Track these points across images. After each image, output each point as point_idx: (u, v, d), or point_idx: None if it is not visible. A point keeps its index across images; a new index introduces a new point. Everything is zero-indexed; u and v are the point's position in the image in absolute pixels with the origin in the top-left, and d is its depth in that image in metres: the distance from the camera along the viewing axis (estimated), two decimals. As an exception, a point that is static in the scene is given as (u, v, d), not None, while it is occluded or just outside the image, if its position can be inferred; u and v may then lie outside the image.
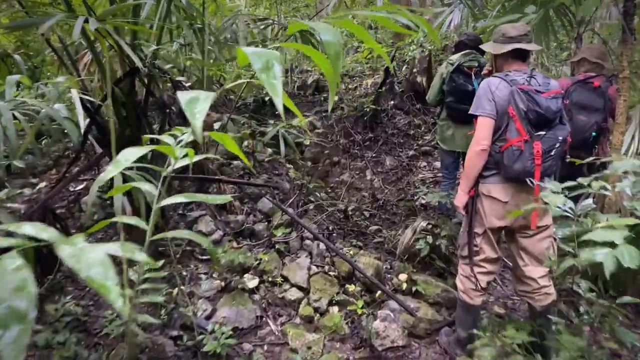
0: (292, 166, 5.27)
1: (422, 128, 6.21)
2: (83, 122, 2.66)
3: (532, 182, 2.11)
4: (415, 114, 6.46)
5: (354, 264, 3.02)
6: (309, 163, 6.12)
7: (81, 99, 2.53)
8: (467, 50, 3.83)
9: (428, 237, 3.33)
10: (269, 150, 5.07)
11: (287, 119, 6.68)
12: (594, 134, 3.20)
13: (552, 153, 2.23)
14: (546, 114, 2.21)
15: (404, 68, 7.24)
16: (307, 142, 5.08)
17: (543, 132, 2.24)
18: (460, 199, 2.55)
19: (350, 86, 6.82)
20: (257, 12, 9.29)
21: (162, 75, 3.16)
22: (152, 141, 3.40)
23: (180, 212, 3.54)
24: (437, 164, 5.55)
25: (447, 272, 3.46)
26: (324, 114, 6.36)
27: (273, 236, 3.39)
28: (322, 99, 6.62)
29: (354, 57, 6.56)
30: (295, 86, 7.01)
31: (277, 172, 4.83)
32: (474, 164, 2.41)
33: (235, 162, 4.28)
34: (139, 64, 2.22)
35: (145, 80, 3.17)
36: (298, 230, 3.50)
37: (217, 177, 3.40)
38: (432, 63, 6.85)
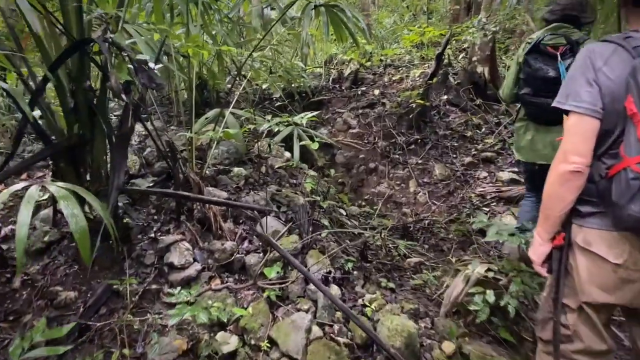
0: (316, 173, 4.32)
1: (483, 129, 5.00)
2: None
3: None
4: (474, 111, 5.25)
5: (372, 334, 2.01)
6: (341, 169, 5.14)
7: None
8: (555, 24, 2.68)
9: (488, 291, 2.23)
10: (287, 154, 4.15)
11: (319, 116, 5.74)
12: None
13: None
14: None
15: (460, 56, 6.03)
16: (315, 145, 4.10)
17: None
18: (538, 249, 1.54)
19: (394, 78, 5.74)
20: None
21: (120, 54, 2.33)
22: (110, 140, 2.61)
23: (152, 235, 2.70)
24: (501, 175, 4.35)
25: (518, 342, 2.34)
26: (360, 111, 5.34)
27: (263, 277, 2.45)
28: (359, 92, 5.59)
29: (405, 37, 5.46)
30: (331, 79, 6.04)
31: (294, 181, 3.90)
32: (558, 195, 1.40)
33: (236, 170, 3.40)
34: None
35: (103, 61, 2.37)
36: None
37: (182, 193, 2.51)
38: (495, 50, 5.60)
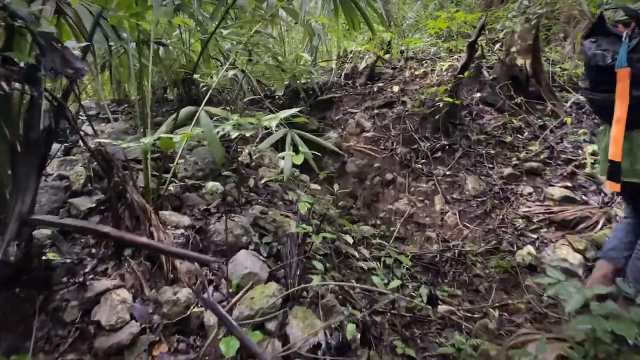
0: (319, 187, 3.53)
1: (525, 133, 4.11)
2: None
3: None
4: (513, 111, 4.37)
5: None
6: (352, 180, 4.34)
7: None
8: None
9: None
10: (284, 163, 3.38)
11: (328, 117, 4.95)
12: None
13: None
14: None
15: (496, 47, 5.14)
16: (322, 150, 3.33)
17: None
18: None
19: (417, 72, 4.90)
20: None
21: (17, 24, 1.61)
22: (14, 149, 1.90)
23: (80, 279, 1.97)
24: (551, 191, 3.47)
25: None
26: (376, 111, 4.53)
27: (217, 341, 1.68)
28: (375, 89, 4.77)
29: (431, 23, 4.60)
30: (343, 74, 5.24)
31: (290, 197, 3.13)
32: None
33: (210, 185, 2.64)
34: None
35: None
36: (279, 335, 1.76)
37: (98, 229, 1.74)
38: (539, 38, 4.71)
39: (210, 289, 2.07)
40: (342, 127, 4.67)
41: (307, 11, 5.10)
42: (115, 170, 1.93)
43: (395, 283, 2.04)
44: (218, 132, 2.54)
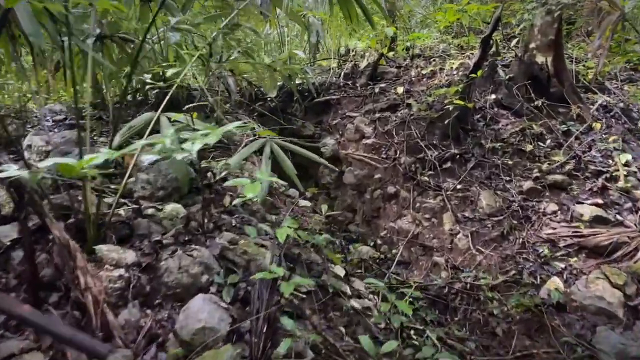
0: (309, 203, 3.08)
1: (547, 140, 3.61)
2: None
3: None
4: (533, 115, 3.87)
5: None
6: (350, 193, 3.88)
7: None
8: None
9: None
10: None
11: (324, 121, 4.48)
12: None
13: None
14: None
15: (513, 42, 4.63)
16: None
17: None
18: None
19: (424, 71, 4.41)
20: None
21: None
22: None
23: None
24: (580, 209, 2.97)
25: None
26: (377, 115, 4.05)
27: None
28: (377, 91, 4.30)
29: (440, 13, 4.12)
30: (342, 74, 4.77)
31: (275, 217, 2.68)
32: None
33: (169, 208, 2.19)
34: None
35: None
36: None
37: None
38: (562, 32, 4.20)
39: (154, 348, 1.62)
40: (340, 132, 4.21)
41: (306, 7, 4.66)
42: (28, 199, 1.49)
43: (391, 346, 1.56)
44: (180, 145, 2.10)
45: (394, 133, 3.84)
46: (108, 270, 1.72)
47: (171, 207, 2.14)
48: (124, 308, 1.69)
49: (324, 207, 2.61)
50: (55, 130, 3.29)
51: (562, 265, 2.68)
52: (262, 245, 2.13)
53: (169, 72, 3.25)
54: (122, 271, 1.73)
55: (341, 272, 2.36)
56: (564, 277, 2.61)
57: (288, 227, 2.11)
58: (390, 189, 3.56)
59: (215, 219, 2.28)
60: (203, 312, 1.66)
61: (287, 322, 1.52)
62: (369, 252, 3.36)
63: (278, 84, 4.45)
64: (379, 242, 3.52)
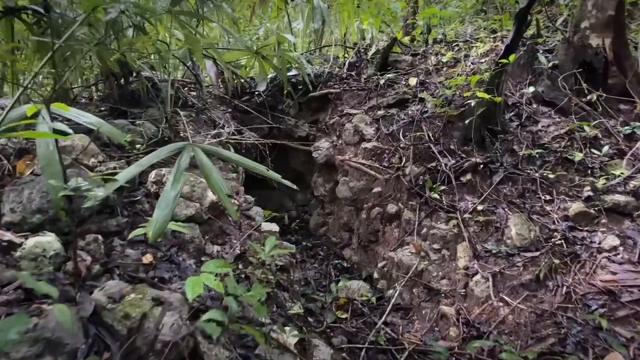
0: (276, 228, 2.38)
1: (605, 147, 2.72)
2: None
3: None
4: (586, 114, 2.97)
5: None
6: (346, 209, 3.14)
7: None
8: None
9: None
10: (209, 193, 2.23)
11: (320, 120, 3.73)
12: None
13: None
14: None
15: (559, 21, 3.71)
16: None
17: None
18: None
19: (443, 59, 3.58)
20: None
21: None
22: None
23: None
24: (653, 246, 2.09)
25: None
26: (382, 112, 3.27)
27: None
28: (383, 82, 3.51)
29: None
30: (347, 63, 4.00)
31: (221, 249, 2.00)
32: None
33: (30, 243, 1.53)
34: None
35: None
36: None
37: None
38: (624, 8, 3.28)
39: None
40: (337, 133, 3.46)
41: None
42: None
43: None
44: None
45: (401, 135, 3.06)
46: None
47: (34, 242, 1.48)
48: None
49: (292, 247, 1.88)
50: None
51: (628, 332, 1.83)
52: (160, 303, 1.43)
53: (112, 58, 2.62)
54: None
55: (292, 339, 1.63)
56: (630, 350, 1.77)
57: (207, 273, 1.42)
58: (391, 208, 2.79)
59: (109, 258, 1.60)
60: None
61: None
62: (361, 289, 2.61)
63: (269, 75, 3.75)
64: (375, 275, 2.76)
